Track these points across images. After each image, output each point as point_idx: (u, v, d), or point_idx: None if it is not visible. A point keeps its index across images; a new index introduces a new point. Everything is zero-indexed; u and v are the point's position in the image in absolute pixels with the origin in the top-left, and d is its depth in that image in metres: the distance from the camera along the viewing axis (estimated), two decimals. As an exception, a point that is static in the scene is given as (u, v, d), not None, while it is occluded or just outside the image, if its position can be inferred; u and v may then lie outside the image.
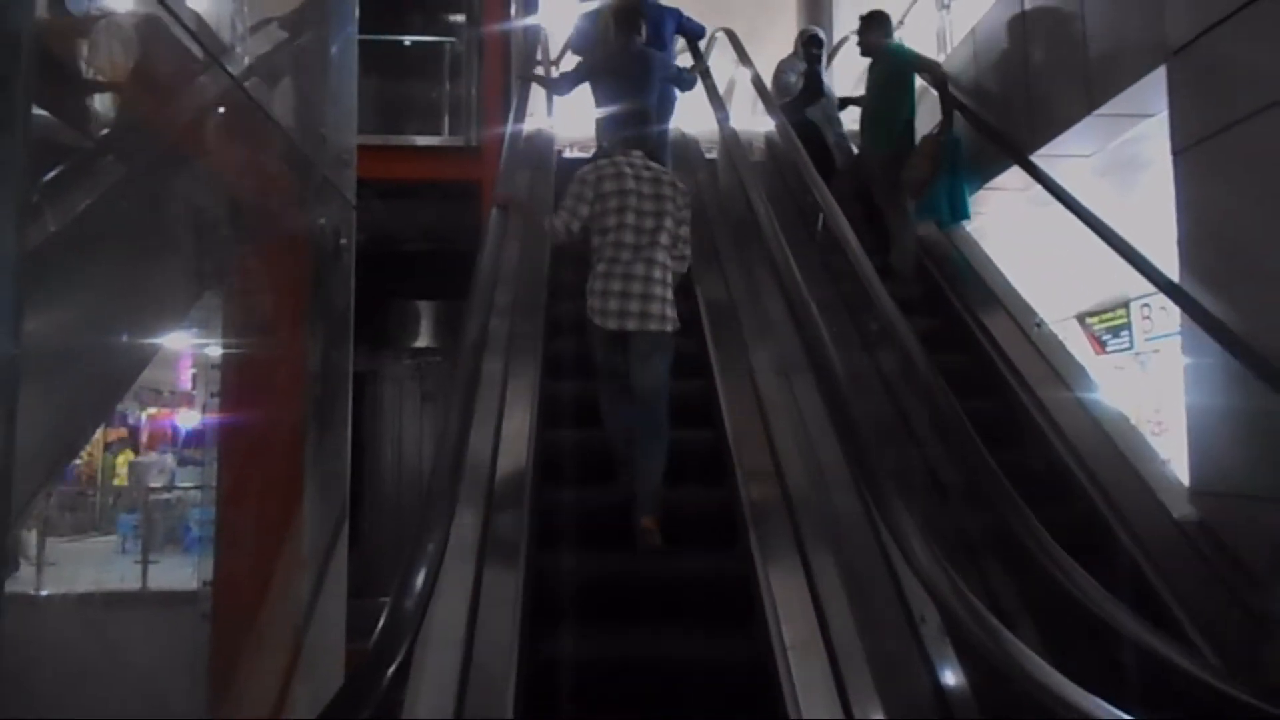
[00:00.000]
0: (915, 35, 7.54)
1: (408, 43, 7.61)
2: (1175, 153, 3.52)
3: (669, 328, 3.42)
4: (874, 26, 5.71)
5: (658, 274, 3.42)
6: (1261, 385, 2.95)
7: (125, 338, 1.62)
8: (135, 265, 1.66)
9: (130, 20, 1.47)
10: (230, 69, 1.78)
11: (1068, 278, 7.41)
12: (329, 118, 2.25)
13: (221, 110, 1.77)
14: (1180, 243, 3.51)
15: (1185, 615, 3.03)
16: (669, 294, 3.47)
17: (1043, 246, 5.96)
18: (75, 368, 1.49)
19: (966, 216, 5.38)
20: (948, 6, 6.61)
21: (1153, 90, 3.73)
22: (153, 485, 11.79)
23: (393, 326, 9.50)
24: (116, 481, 13.96)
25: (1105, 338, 9.05)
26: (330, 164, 2.25)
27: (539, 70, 6.23)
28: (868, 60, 5.86)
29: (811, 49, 6.76)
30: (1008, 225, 6.03)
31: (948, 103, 5.28)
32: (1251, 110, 3.09)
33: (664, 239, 3.47)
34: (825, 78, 7.09)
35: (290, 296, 2.19)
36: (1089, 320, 9.28)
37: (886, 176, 5.44)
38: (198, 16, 1.65)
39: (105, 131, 1.52)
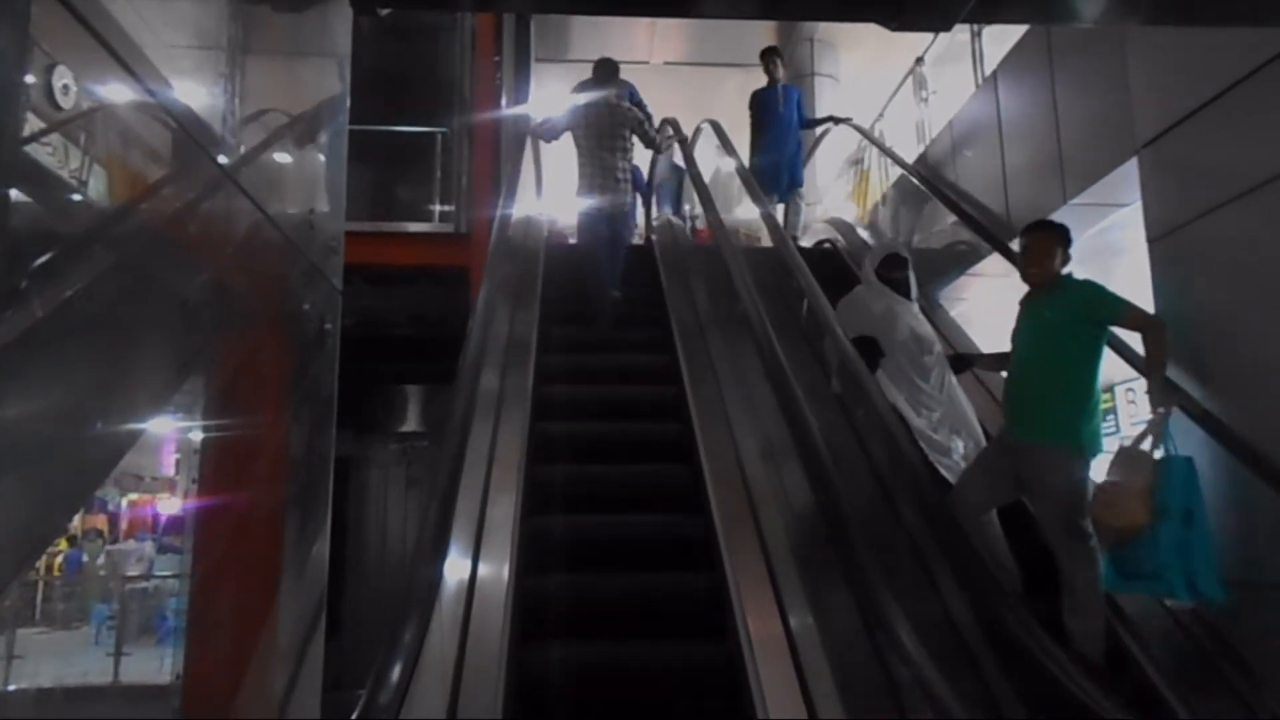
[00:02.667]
0: (894, 128, 7.79)
1: (400, 131, 7.76)
2: (1150, 240, 3.60)
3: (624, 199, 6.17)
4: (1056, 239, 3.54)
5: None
6: (1238, 469, 2.97)
7: (101, 425, 1.60)
8: (116, 351, 1.65)
9: (122, 113, 1.50)
10: (220, 159, 1.81)
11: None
12: (318, 206, 2.28)
13: (210, 200, 1.80)
14: (1157, 326, 3.56)
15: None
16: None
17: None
18: (50, 456, 1.48)
19: (1220, 598, 2.95)
20: (926, 100, 6.82)
21: (1125, 181, 3.83)
22: (130, 574, 11.54)
23: (379, 411, 9.47)
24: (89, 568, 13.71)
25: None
26: (318, 251, 2.28)
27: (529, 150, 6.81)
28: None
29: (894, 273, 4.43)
30: (992, 310, 6.13)
31: (1158, 374, 3.22)
32: (1218, 202, 3.18)
33: (618, 144, 6.15)
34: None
35: (273, 381, 2.18)
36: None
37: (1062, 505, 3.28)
38: (188, 108, 1.69)
39: (90, 219, 1.53)
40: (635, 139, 6.17)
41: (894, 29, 2.44)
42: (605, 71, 6.39)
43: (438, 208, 7.42)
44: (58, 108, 1.12)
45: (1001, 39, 5.52)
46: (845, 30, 9.63)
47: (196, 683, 2.07)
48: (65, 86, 1.13)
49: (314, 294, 2.25)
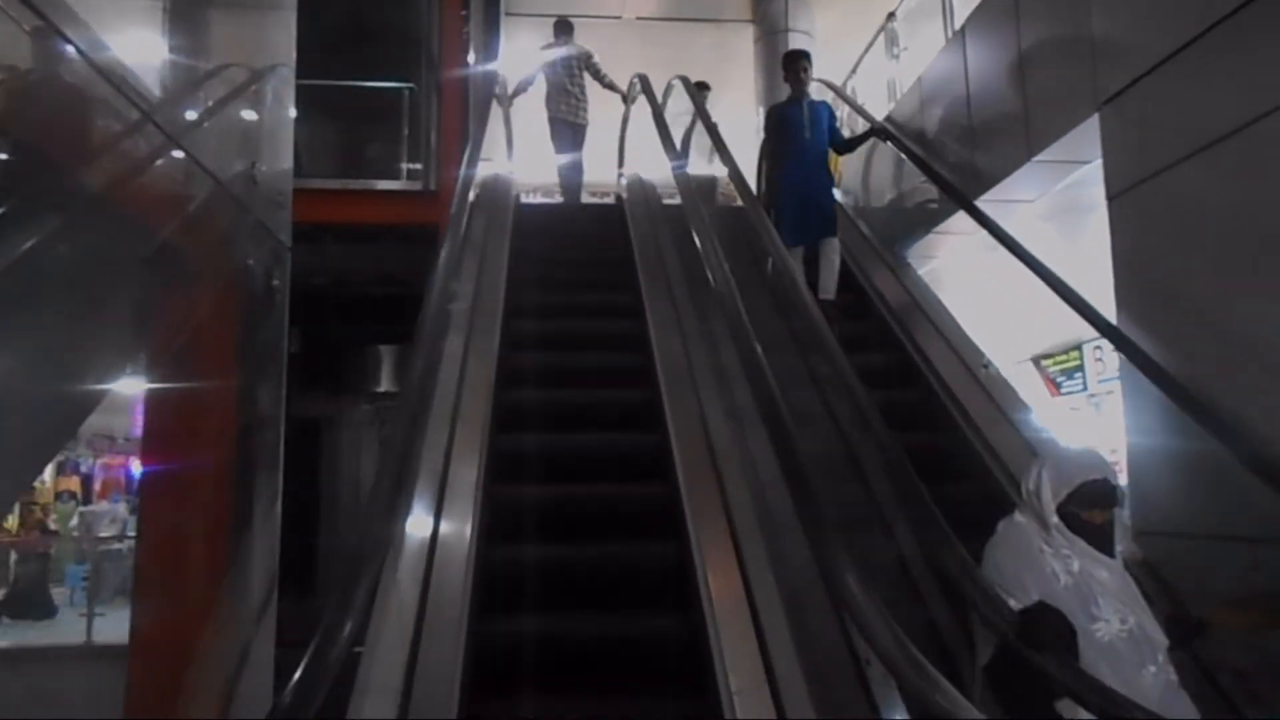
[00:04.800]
0: (868, 85, 7.72)
1: (368, 87, 7.63)
2: (1109, 198, 3.61)
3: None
4: None
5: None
6: (1193, 424, 3.01)
7: (63, 387, 1.59)
8: (70, 312, 1.63)
9: (56, 76, 1.46)
10: (158, 119, 1.77)
11: (1022, 321, 7.54)
12: (262, 161, 2.24)
13: (148, 159, 1.77)
14: (1116, 285, 3.59)
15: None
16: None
17: (996, 290, 6.07)
18: (12, 419, 1.46)
19: None
20: (898, 57, 6.77)
21: (1087, 138, 3.83)
22: (103, 534, 11.48)
23: (351, 371, 9.40)
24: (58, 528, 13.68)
25: (1060, 379, 9.20)
26: (262, 206, 2.24)
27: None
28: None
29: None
30: (961, 269, 6.14)
31: None
32: (1176, 158, 3.18)
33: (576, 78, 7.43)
34: None
35: (218, 337, 2.16)
36: (1044, 362, 9.44)
37: None
38: (122, 65, 1.65)
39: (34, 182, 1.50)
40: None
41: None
42: (564, 29, 8.26)
43: (405, 165, 7.32)
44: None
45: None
46: (820, -15, 9.51)
47: (144, 643, 2.07)
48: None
49: (260, 250, 2.22)
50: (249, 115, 2.21)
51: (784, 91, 5.92)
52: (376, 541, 2.07)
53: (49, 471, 15.47)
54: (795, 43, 9.80)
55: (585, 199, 9.56)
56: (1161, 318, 3.35)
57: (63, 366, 1.62)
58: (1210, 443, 2.94)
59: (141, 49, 1.76)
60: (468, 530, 2.93)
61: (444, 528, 2.88)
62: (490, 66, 7.75)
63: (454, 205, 4.19)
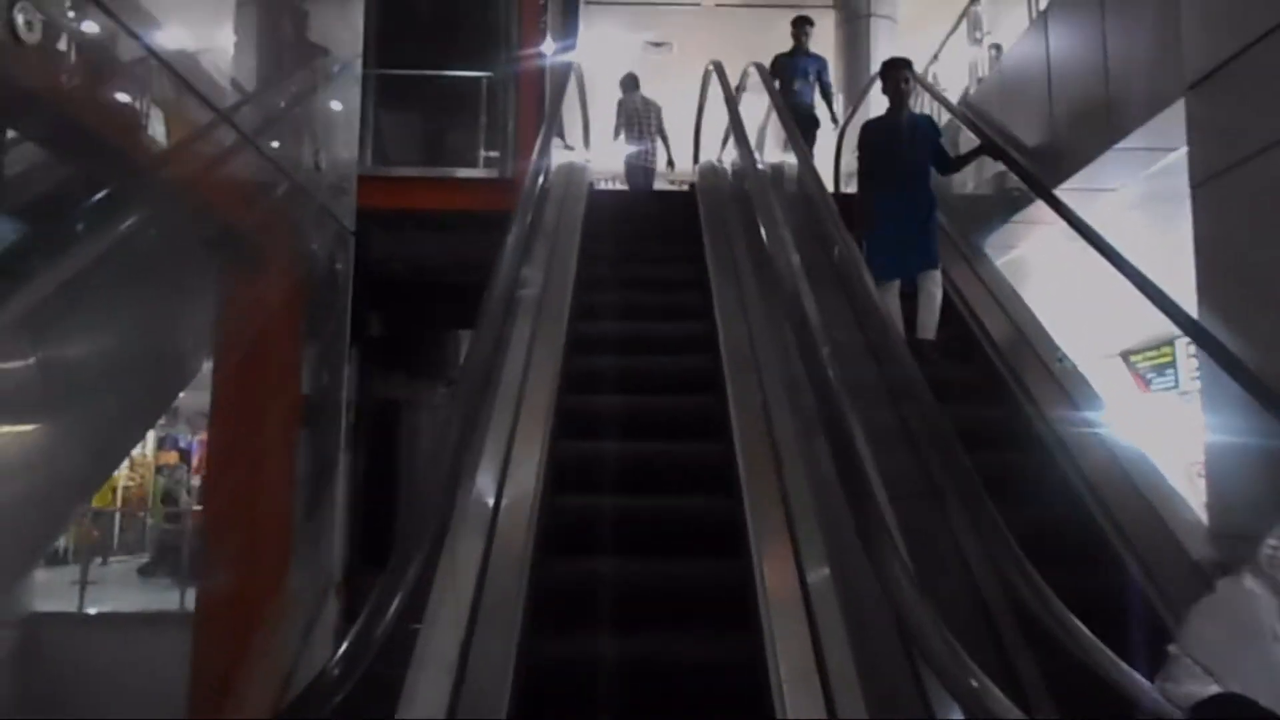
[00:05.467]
0: (948, 69, 7.54)
1: (447, 76, 7.77)
2: (1194, 186, 3.46)
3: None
4: None
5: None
6: (1276, 423, 2.87)
7: (146, 365, 1.68)
8: (154, 293, 1.72)
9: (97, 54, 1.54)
10: (222, 108, 1.85)
11: (1110, 314, 7.27)
12: (327, 146, 2.32)
13: (218, 153, 1.85)
14: (1198, 277, 3.44)
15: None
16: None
17: (1083, 282, 5.85)
18: (106, 391, 1.55)
19: None
20: (980, 41, 6.59)
21: (1173, 124, 3.68)
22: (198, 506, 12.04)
23: (430, 355, 9.63)
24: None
25: (1150, 376, 8.85)
26: (326, 192, 2.32)
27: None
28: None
29: None
30: (1044, 260, 5.94)
31: None
32: (1267, 144, 3.03)
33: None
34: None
35: (282, 318, 2.25)
36: (1133, 358, 9.09)
37: None
38: (186, 55, 1.72)
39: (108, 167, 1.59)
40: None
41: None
42: (630, 85, 9.37)
43: (482, 153, 7.44)
44: (19, 41, 1.15)
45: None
46: (904, -31, 9.30)
47: (209, 617, 2.17)
48: (28, 22, 1.17)
49: (323, 235, 2.30)
50: (314, 104, 2.29)
51: (864, 76, 5.86)
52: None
53: (150, 447, 16.26)
54: (878, 29, 9.63)
55: (663, 186, 9.62)
56: (1245, 312, 3.20)
57: (147, 346, 1.71)
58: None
59: (212, 40, 1.84)
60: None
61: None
62: (568, 56, 7.81)
63: (524, 189, 4.26)
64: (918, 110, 5.63)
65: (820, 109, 7.94)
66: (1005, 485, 3.64)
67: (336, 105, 2.40)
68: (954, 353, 4.81)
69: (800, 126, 6.99)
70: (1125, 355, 9.17)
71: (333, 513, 2.51)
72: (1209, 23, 3.43)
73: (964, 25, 7.20)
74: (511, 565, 2.82)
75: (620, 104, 9.26)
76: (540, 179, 4.60)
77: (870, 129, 5.33)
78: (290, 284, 2.24)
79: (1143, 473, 3.67)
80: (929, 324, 4.75)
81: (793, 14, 8.09)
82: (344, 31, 2.45)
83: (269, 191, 2.06)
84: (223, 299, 2.02)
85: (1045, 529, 3.49)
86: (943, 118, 6.32)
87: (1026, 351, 4.54)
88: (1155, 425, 7.68)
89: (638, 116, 9.09)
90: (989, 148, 5.19)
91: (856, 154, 5.33)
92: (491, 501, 3.06)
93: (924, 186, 5.03)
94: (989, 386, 4.44)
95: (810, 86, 7.79)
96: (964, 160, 5.41)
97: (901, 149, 5.03)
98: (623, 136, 9.11)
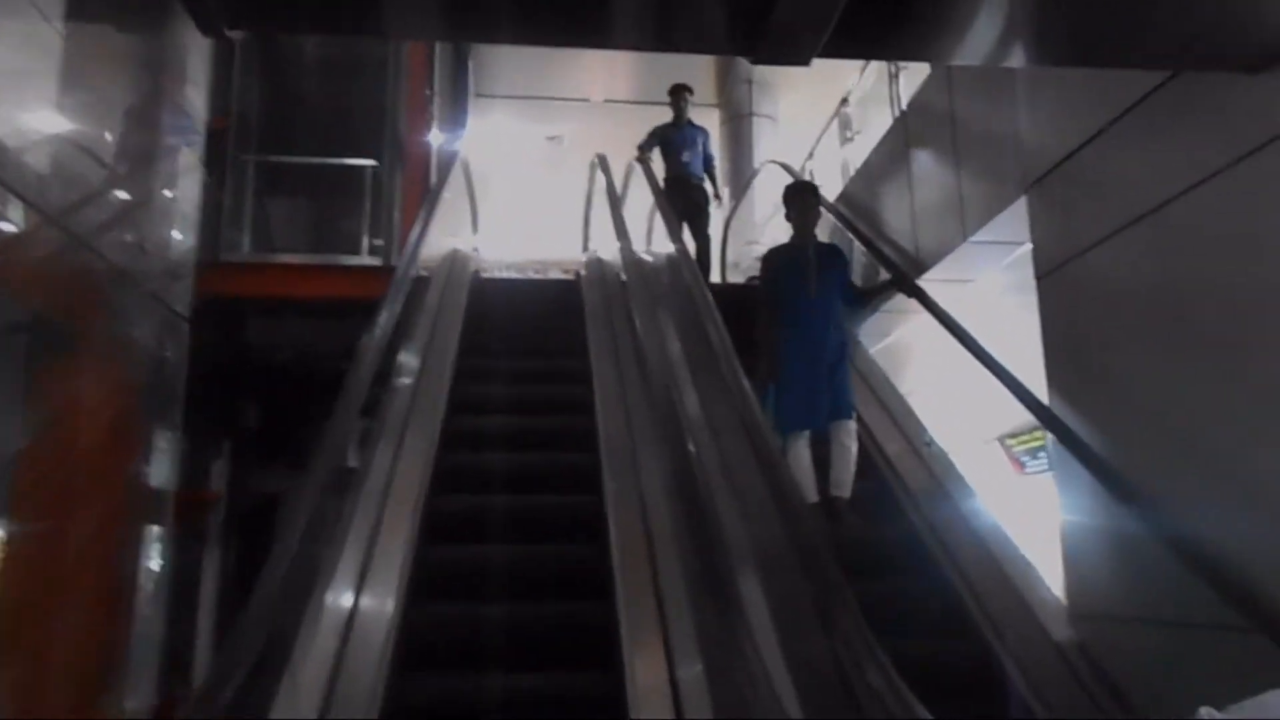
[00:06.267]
0: (824, 168, 7.87)
1: (331, 164, 7.72)
2: (1038, 277, 3.64)
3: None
4: None
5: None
6: (1120, 504, 2.97)
7: None
8: None
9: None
10: (45, 208, 1.76)
11: (986, 399, 7.53)
12: (157, 232, 2.23)
13: (31, 241, 1.75)
14: (1046, 365, 3.60)
15: None
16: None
17: (957, 369, 6.03)
18: None
19: None
20: (851, 139, 6.92)
21: (1019, 219, 3.88)
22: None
23: (313, 446, 9.29)
24: None
25: (1024, 459, 9.18)
26: (155, 278, 2.22)
27: None
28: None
29: None
30: (924, 347, 6.14)
31: None
32: (1098, 238, 3.23)
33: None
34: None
35: (101, 407, 2.12)
36: (1009, 442, 9.42)
37: None
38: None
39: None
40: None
41: (754, 62, 2.49)
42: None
43: (366, 240, 7.37)
44: None
45: (919, 78, 5.61)
46: (782, 72, 9.75)
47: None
48: None
49: (149, 321, 2.19)
50: (143, 190, 2.20)
51: (747, 171, 5.94)
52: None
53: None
54: (759, 127, 10.03)
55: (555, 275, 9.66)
56: (1088, 398, 3.35)
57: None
58: (1133, 520, 2.91)
59: (31, 124, 1.76)
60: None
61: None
62: (455, 145, 7.87)
63: (396, 275, 4.22)
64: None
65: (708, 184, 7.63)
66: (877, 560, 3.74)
67: (174, 188, 2.32)
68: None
69: (692, 200, 7.24)
70: (1002, 439, 9.51)
71: (160, 602, 2.33)
72: (1044, 126, 3.67)
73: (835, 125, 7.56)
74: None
75: None
76: (411, 263, 4.56)
77: (775, 261, 4.76)
78: (110, 370, 2.11)
79: (1004, 551, 3.74)
80: (843, 480, 4.21)
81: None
82: (183, 118, 2.39)
83: (84, 277, 1.95)
84: (30, 385, 1.89)
85: (909, 599, 3.60)
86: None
87: (896, 434, 4.64)
88: (1029, 505, 7.92)
89: None
90: (897, 281, 4.74)
91: (758, 283, 4.83)
92: (344, 614, 2.90)
93: (835, 324, 4.52)
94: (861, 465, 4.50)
95: (698, 157, 7.45)
96: (874, 293, 5.03)
97: (809, 284, 4.51)
98: None
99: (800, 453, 4.23)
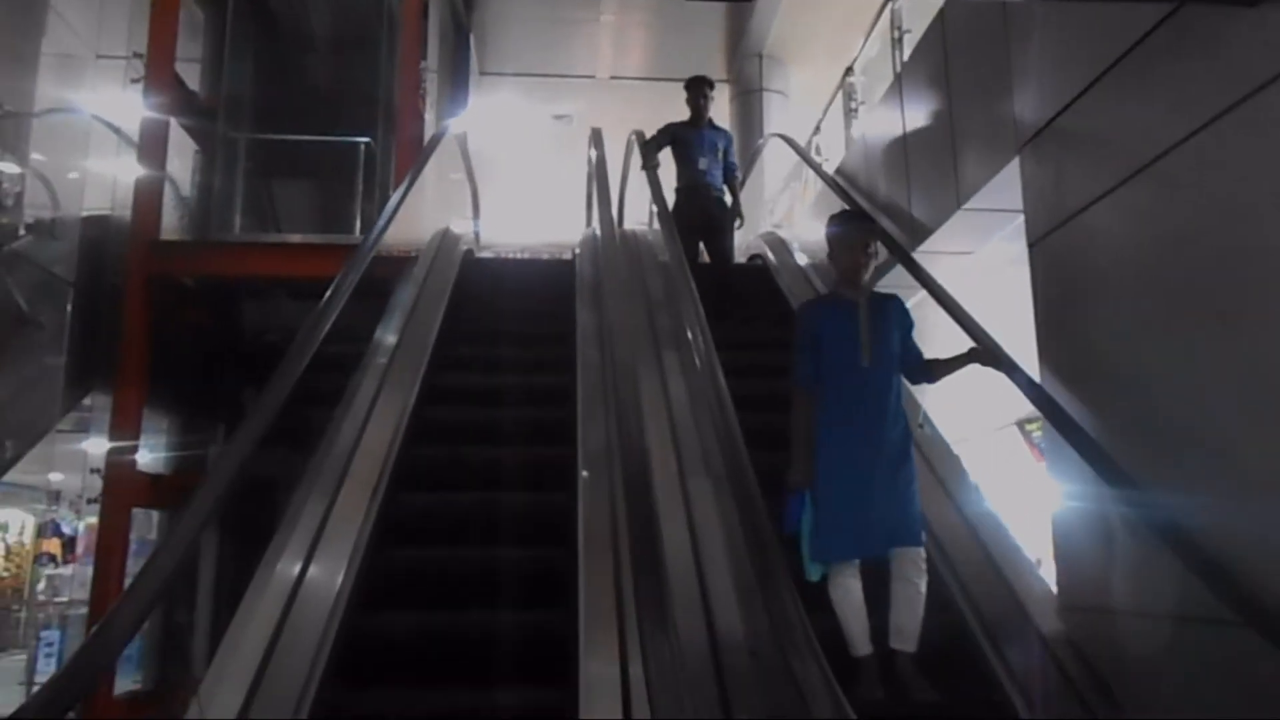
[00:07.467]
0: (831, 141, 7.60)
1: (325, 142, 7.61)
2: (1030, 245, 3.39)
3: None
4: None
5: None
6: (1110, 489, 2.72)
7: None
8: None
9: None
10: None
11: (1002, 381, 7.22)
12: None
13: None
14: (1038, 338, 3.34)
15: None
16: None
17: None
18: None
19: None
20: (855, 111, 6.64)
21: (1012, 185, 3.62)
22: (58, 600, 11.24)
23: (315, 429, 9.21)
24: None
25: (1043, 445, 8.86)
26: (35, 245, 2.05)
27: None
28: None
29: None
30: (932, 323, 5.85)
31: None
32: (1089, 200, 2.96)
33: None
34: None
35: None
36: (1028, 427, 9.11)
37: None
38: None
39: None
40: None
41: None
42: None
43: (360, 220, 7.24)
44: None
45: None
46: (794, 45, 9.48)
47: None
48: None
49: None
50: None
51: (752, 140, 5.45)
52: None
53: (30, 533, 15.26)
54: (770, 102, 9.74)
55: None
56: (1079, 373, 3.09)
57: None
58: (1122, 505, 2.68)
59: None
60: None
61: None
62: (454, 122, 7.69)
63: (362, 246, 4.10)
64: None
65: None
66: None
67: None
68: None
69: (710, 215, 5.76)
70: (1021, 424, 9.20)
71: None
72: (1037, 82, 3.40)
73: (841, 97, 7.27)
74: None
75: None
76: (377, 236, 4.46)
77: (814, 317, 3.33)
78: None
79: (994, 535, 3.50)
80: (908, 630, 2.97)
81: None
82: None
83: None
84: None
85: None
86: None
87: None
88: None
89: None
90: (983, 353, 3.29)
91: (793, 350, 3.29)
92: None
93: (896, 407, 3.17)
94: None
95: (718, 165, 5.85)
96: (953, 366, 3.36)
97: (861, 351, 3.15)
98: None
99: (849, 588, 3.01)
